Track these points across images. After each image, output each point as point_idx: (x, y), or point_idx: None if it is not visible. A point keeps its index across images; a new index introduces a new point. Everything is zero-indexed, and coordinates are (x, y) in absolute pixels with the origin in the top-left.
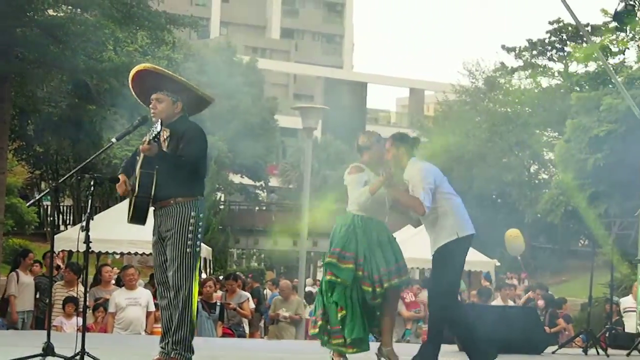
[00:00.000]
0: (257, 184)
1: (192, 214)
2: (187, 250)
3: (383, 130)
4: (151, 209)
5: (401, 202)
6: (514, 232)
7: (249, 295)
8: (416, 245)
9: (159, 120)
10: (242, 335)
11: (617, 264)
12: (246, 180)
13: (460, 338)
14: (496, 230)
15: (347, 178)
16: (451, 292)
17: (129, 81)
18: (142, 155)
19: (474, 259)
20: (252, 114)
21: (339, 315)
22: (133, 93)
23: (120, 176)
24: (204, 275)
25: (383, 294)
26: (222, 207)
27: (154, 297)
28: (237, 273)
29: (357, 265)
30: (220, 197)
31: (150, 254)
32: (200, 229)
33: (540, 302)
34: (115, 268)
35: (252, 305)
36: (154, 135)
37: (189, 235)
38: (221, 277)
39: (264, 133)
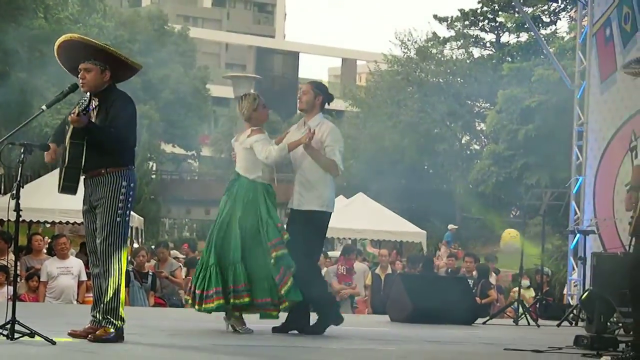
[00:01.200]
0: (189, 153)
1: (124, 183)
2: (117, 219)
3: None
4: (82, 178)
5: (317, 162)
6: (512, 232)
7: (180, 264)
8: (347, 216)
9: (88, 94)
10: (176, 304)
11: (548, 235)
12: (178, 150)
13: (313, 299)
14: (427, 200)
15: (252, 138)
16: (312, 256)
17: (55, 50)
18: (71, 125)
19: (405, 229)
20: (184, 83)
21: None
22: (60, 63)
23: (50, 144)
24: (135, 245)
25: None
26: (153, 176)
27: (86, 266)
28: (169, 242)
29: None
30: (152, 166)
31: (82, 223)
32: (131, 199)
33: (474, 273)
34: (47, 237)
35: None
36: (82, 107)
37: (120, 205)
38: (153, 247)
39: (195, 102)
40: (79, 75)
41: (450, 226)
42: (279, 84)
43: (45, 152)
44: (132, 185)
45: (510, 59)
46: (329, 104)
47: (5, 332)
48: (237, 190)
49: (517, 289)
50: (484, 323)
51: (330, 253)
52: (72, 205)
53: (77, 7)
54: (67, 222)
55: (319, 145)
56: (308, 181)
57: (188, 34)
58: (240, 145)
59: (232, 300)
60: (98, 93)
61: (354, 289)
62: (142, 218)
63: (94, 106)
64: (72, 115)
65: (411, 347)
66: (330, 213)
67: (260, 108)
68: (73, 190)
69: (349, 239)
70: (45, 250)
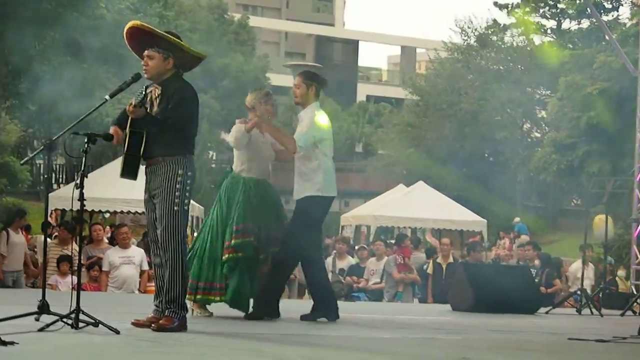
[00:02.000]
0: None
1: (180, 172)
2: (175, 208)
3: (375, 88)
4: (142, 166)
5: (275, 138)
6: (604, 217)
7: None
8: (407, 205)
9: (144, 87)
10: None
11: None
12: None
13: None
14: (487, 189)
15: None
16: (299, 241)
17: (125, 37)
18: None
19: (465, 218)
20: (244, 72)
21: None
22: (130, 48)
23: (112, 128)
24: (196, 234)
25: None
26: (213, 165)
27: (149, 255)
28: None
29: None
30: (212, 155)
31: (143, 212)
32: (188, 187)
33: (537, 262)
34: (108, 227)
35: None
36: (139, 100)
37: (177, 194)
38: None
39: None
40: (142, 62)
41: (516, 219)
42: (339, 73)
43: (112, 132)
44: (189, 174)
45: (571, 46)
46: (323, 90)
47: (70, 322)
48: (222, 183)
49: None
50: (546, 312)
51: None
52: (133, 195)
53: None
54: (129, 212)
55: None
56: (303, 171)
57: (248, 22)
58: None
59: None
60: (162, 81)
61: (414, 276)
62: (202, 207)
63: (156, 94)
64: (129, 106)
65: (474, 337)
66: (330, 197)
67: (266, 104)
68: (133, 176)
69: (409, 227)
70: (106, 240)
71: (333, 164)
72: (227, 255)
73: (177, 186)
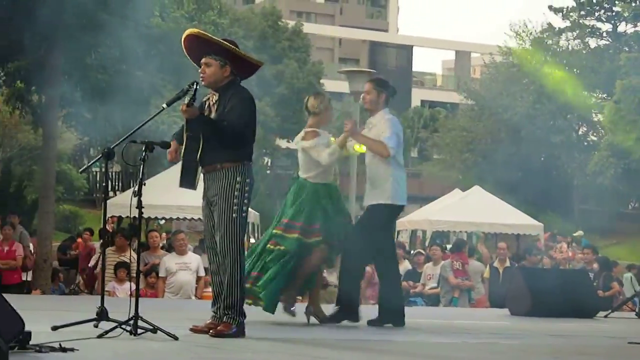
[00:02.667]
0: None
1: (238, 179)
2: (233, 215)
3: (430, 93)
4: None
5: (366, 146)
6: None
7: None
8: (463, 209)
9: (195, 83)
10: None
11: None
12: (292, 145)
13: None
14: (544, 193)
15: (305, 143)
16: (368, 249)
17: (182, 45)
18: (185, 119)
19: (521, 222)
20: (298, 79)
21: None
22: (187, 56)
23: (172, 142)
24: (252, 240)
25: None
26: (268, 172)
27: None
28: None
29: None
30: (267, 162)
31: (199, 219)
32: (246, 194)
33: (595, 266)
34: (164, 233)
35: None
36: (189, 97)
37: (235, 201)
38: None
39: None
40: (200, 70)
41: (579, 232)
42: (393, 78)
43: (168, 150)
44: (247, 180)
45: (627, 49)
46: (392, 98)
47: (128, 328)
48: (291, 188)
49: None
50: (605, 316)
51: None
52: (189, 202)
53: (192, 5)
54: (185, 218)
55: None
56: (373, 177)
57: (302, 29)
58: (296, 145)
59: None
60: (218, 88)
61: (470, 283)
62: (257, 213)
63: (214, 101)
64: (183, 106)
65: (533, 341)
66: (399, 206)
67: (330, 109)
68: (191, 185)
69: (465, 232)
70: (163, 246)
71: (405, 172)
72: (271, 246)
73: (236, 193)
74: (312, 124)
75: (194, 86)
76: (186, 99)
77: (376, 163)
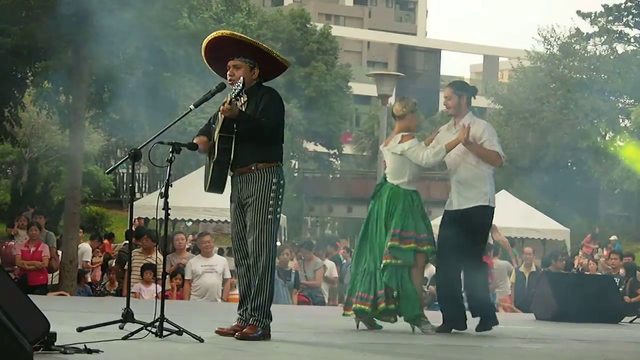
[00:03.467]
0: (331, 151)
1: (274, 180)
2: (269, 216)
3: None
4: (229, 176)
5: (480, 155)
6: None
7: (324, 263)
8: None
9: (241, 79)
10: (320, 302)
11: None
12: (320, 148)
13: (475, 302)
14: (570, 198)
15: (404, 145)
16: (479, 254)
17: (203, 48)
18: (220, 119)
19: (548, 227)
20: (326, 81)
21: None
22: (204, 60)
23: (197, 138)
24: (278, 243)
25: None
26: (296, 174)
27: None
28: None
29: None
30: (295, 164)
31: (225, 221)
32: (281, 196)
33: (622, 271)
34: (190, 235)
35: (334, 273)
36: (235, 93)
37: (270, 202)
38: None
39: (337, 100)
40: (228, 72)
41: (613, 237)
42: (421, 82)
43: (198, 141)
44: (281, 182)
45: None
46: (474, 98)
47: (154, 330)
48: (381, 195)
49: None
50: (631, 322)
51: None
52: (215, 204)
53: (221, 6)
54: (211, 220)
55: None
56: (467, 180)
57: (330, 32)
58: (389, 150)
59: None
60: (247, 90)
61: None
62: (285, 216)
63: (242, 102)
64: (225, 104)
65: (558, 346)
66: (494, 208)
67: (415, 113)
68: (220, 188)
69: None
70: (189, 248)
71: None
72: (387, 260)
73: (272, 194)
74: (399, 129)
75: (239, 85)
76: (228, 97)
77: (473, 165)
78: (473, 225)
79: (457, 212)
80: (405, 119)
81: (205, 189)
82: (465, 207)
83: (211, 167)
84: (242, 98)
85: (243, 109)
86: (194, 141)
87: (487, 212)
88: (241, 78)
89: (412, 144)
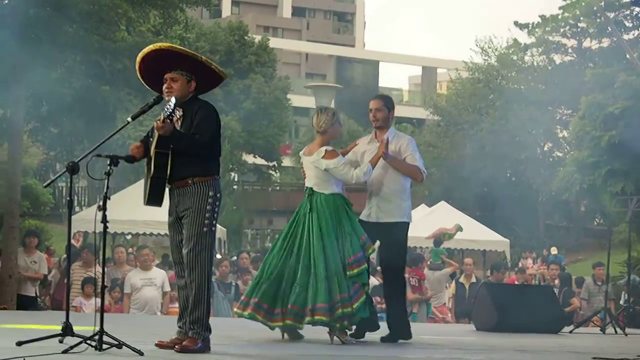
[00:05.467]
0: (270, 163)
1: (210, 193)
2: (204, 229)
3: (396, 108)
4: (167, 189)
5: (401, 170)
6: None
7: None
8: (430, 225)
9: (173, 98)
10: None
11: (633, 242)
12: (259, 160)
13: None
14: (510, 209)
15: (329, 164)
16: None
17: (138, 61)
18: (156, 135)
19: (488, 238)
20: (265, 94)
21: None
22: (138, 74)
23: (132, 146)
24: (218, 256)
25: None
26: (235, 187)
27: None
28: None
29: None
30: (234, 177)
31: (165, 234)
32: (217, 209)
33: (557, 281)
34: (130, 248)
35: None
36: (168, 113)
37: (207, 215)
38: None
39: (276, 112)
40: (165, 85)
41: (553, 250)
42: (359, 93)
43: (131, 151)
44: (218, 195)
45: (592, 65)
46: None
47: (93, 343)
48: (318, 205)
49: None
50: (570, 332)
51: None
52: (154, 217)
53: (159, 19)
54: (151, 234)
55: (397, 157)
56: (386, 194)
57: (268, 44)
58: (312, 163)
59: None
60: (183, 104)
61: (427, 296)
62: (224, 229)
63: (178, 116)
64: (158, 122)
65: (498, 356)
66: (409, 223)
67: (337, 124)
68: (158, 202)
69: (432, 247)
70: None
71: None
72: (356, 270)
73: (208, 207)
74: (322, 142)
75: (172, 102)
76: (161, 116)
77: (393, 179)
78: (393, 241)
79: (375, 224)
80: (327, 133)
81: (144, 203)
82: (384, 221)
83: (149, 182)
84: (177, 112)
85: (179, 124)
86: (129, 151)
87: (405, 228)
88: (173, 98)
89: (337, 163)
